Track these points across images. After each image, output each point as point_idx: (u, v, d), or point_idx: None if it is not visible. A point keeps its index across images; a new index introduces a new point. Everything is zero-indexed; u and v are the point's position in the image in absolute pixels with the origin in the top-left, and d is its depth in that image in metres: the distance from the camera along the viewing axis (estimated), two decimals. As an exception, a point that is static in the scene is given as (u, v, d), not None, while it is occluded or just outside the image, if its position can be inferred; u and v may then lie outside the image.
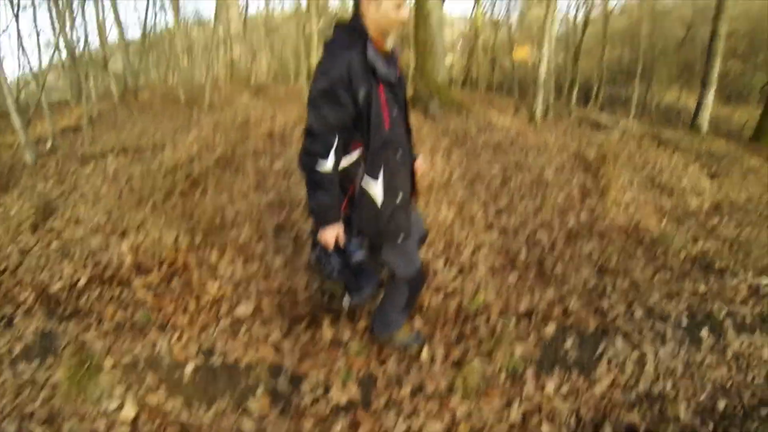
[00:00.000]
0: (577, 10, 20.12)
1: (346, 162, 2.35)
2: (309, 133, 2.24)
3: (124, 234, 4.43)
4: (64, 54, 13.13)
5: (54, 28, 14.62)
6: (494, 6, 23.76)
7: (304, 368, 2.94)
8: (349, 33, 2.27)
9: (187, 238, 4.15)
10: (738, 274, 4.43)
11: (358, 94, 2.19)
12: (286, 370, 2.94)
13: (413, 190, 2.70)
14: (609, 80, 21.72)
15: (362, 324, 3.30)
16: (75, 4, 13.89)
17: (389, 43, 2.34)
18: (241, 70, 18.72)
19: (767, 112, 13.96)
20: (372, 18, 2.23)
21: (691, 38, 22.22)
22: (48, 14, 15.75)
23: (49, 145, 8.53)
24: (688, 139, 10.68)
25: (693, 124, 13.53)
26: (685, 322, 3.62)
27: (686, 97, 21.08)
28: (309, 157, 2.24)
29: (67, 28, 13.12)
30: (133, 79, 15.86)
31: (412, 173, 2.66)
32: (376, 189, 2.36)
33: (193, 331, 3.18)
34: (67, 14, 13.37)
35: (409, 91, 9.13)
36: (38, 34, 14.77)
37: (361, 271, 2.45)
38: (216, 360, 3.01)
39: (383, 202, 2.38)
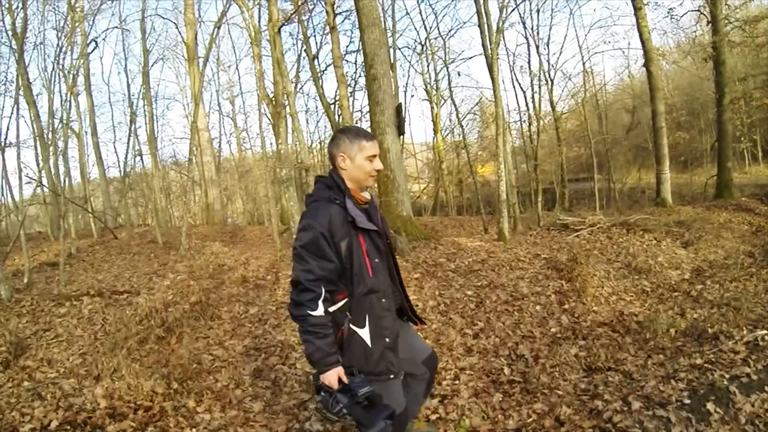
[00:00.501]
0: (529, 122, 21.26)
1: (333, 308, 2.38)
2: (295, 284, 2.29)
3: (98, 378, 4.38)
4: (46, 189, 13.57)
5: (38, 164, 15.22)
6: (453, 130, 24.94)
7: None
8: (329, 187, 2.40)
9: (162, 385, 4.08)
10: (733, 335, 4.31)
11: (341, 246, 2.29)
12: None
13: (417, 320, 2.81)
14: (573, 178, 22.50)
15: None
16: (59, 143, 14.59)
17: (366, 195, 2.49)
18: (216, 212, 19.13)
19: (722, 168, 14.67)
20: (348, 172, 2.41)
21: (637, 122, 23.43)
22: (33, 150, 16.64)
23: (25, 280, 8.55)
24: (655, 216, 10.86)
25: (658, 200, 13.95)
26: (687, 400, 3.39)
27: (646, 176, 21.85)
28: (298, 308, 2.28)
29: (51, 164, 13.52)
30: (113, 218, 16.11)
31: (411, 308, 2.76)
32: (363, 334, 2.39)
33: (173, 480, 2.94)
34: (50, 151, 13.92)
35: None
36: (20, 171, 15.51)
37: (370, 405, 2.35)
38: None
39: (372, 344, 2.40)
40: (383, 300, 2.42)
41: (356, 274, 2.34)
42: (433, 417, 3.60)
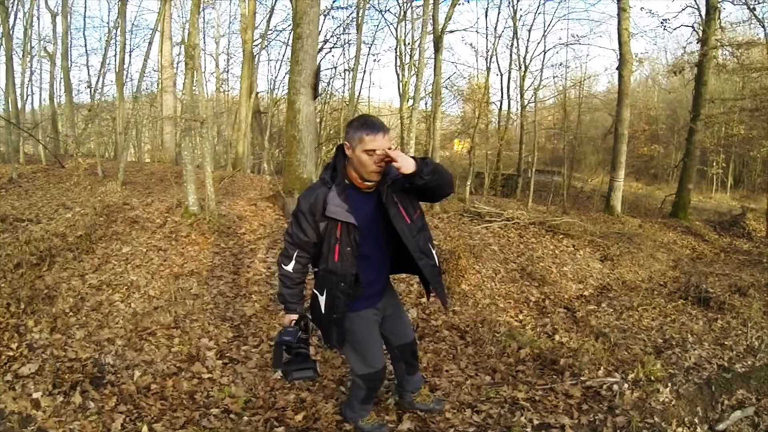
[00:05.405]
0: (500, 106, 20.77)
1: (315, 270, 2.82)
2: (284, 239, 2.78)
3: (-30, 293, 4.87)
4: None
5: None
6: (424, 99, 24.48)
7: (49, 424, 3.10)
8: (332, 170, 2.68)
9: (15, 305, 4.67)
10: (581, 373, 3.82)
11: (320, 225, 2.62)
12: (36, 422, 3.10)
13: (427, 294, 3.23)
14: (538, 169, 22.12)
15: None
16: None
17: (370, 183, 2.64)
18: (168, 150, 18.67)
19: (682, 188, 14.51)
20: (351, 161, 2.61)
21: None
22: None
23: (-56, 203, 8.66)
24: (588, 223, 10.23)
25: (607, 206, 13.70)
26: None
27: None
28: (280, 258, 2.79)
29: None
30: (75, 146, 15.70)
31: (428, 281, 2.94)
32: (321, 300, 2.75)
33: (-18, 380, 3.50)
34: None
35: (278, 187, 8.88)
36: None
37: (295, 355, 2.66)
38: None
39: (324, 311, 2.74)
40: (342, 284, 2.67)
41: (323, 254, 2.68)
42: (206, 376, 3.89)
